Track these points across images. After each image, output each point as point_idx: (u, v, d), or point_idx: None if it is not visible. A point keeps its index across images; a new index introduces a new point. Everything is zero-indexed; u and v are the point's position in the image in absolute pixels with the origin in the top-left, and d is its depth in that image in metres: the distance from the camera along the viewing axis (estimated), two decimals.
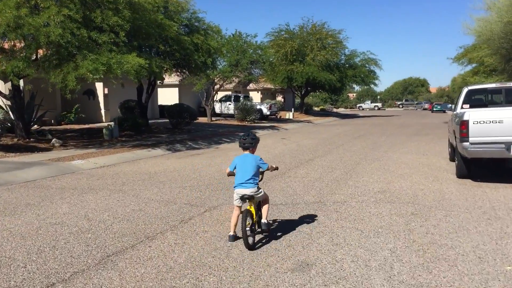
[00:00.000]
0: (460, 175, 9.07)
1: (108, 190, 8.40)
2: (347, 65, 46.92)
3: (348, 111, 76.99)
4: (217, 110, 36.53)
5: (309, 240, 5.17)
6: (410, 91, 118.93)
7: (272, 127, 28.02)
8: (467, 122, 8.30)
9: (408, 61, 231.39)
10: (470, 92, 10.33)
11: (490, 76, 25.00)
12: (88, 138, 18.02)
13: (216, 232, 5.51)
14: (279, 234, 5.42)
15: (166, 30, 16.97)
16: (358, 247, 4.88)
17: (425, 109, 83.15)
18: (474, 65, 30.76)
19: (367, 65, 46.75)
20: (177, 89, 34.99)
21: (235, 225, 5.14)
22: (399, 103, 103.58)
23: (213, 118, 32.85)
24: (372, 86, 50.47)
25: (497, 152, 8.16)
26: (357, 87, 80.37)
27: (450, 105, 13.82)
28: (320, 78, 41.20)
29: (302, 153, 14.15)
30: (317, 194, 7.68)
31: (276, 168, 5.63)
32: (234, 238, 5.10)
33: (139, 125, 20.43)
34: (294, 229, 5.60)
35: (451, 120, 10.49)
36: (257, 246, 4.99)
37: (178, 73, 24.47)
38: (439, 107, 64.70)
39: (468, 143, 8.28)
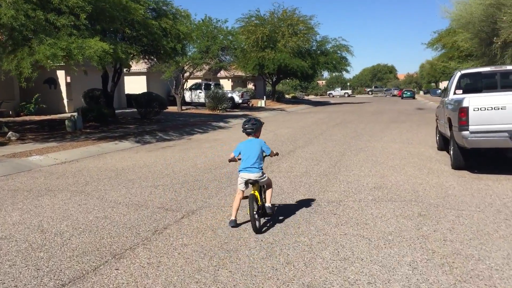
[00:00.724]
0: (457, 166, 8.40)
1: (69, 191, 7.35)
2: (319, 52, 46.31)
3: (319, 98, 76.71)
4: (187, 99, 35.30)
5: (311, 253, 4.32)
6: (379, 77, 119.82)
7: (245, 116, 27.08)
8: (466, 108, 7.59)
9: (376, 48, 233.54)
10: (463, 76, 9.67)
11: (465, 61, 24.71)
12: (49, 131, 16.70)
13: (198, 246, 4.59)
14: (274, 245, 4.55)
15: (131, 13, 15.76)
16: (371, 262, 4.06)
17: (394, 95, 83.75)
18: (445, 50, 30.52)
19: (338, 52, 46.26)
20: (145, 77, 33.55)
21: (237, 210, 5.18)
22: (368, 90, 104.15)
23: (184, 107, 31.68)
24: (344, 72, 50.00)
25: (500, 142, 7.50)
26: (326, 74, 79.77)
27: (439, 90, 13.37)
28: (292, 65, 40.42)
29: (281, 143, 13.31)
30: (308, 192, 6.84)
31: (277, 154, 5.66)
32: (235, 223, 5.10)
33: (105, 116, 19.17)
34: (291, 239, 4.74)
35: (443, 107, 9.82)
36: (252, 258, 4.13)
37: (146, 60, 23.18)
38: (409, 93, 65.12)
39: (468, 132, 7.59)
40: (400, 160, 9.67)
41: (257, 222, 4.93)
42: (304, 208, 5.94)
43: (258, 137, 5.39)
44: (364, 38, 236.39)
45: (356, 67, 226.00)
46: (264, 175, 5.20)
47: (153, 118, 22.37)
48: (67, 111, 24.48)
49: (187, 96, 35.20)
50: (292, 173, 8.45)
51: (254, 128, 5.33)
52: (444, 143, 10.74)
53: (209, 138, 15.90)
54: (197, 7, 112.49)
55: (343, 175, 8.13)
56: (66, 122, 16.78)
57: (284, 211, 5.81)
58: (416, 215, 5.51)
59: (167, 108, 23.90)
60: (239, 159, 5.33)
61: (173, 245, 4.62)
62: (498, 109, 7.41)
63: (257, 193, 5.11)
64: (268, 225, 5.25)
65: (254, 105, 38.74)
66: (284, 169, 8.81)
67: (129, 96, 28.48)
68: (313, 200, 6.37)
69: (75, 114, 17.89)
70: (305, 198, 6.51)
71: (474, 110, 7.53)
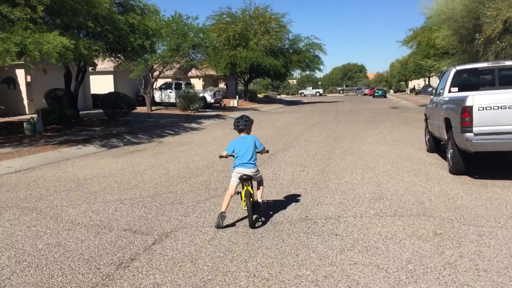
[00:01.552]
0: (456, 171, 7.66)
1: (18, 208, 6.24)
2: (291, 50, 45.71)
3: (290, 98, 76.32)
4: (157, 99, 34.00)
5: None
6: (350, 76, 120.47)
7: (218, 116, 26.10)
8: (470, 108, 6.84)
9: (346, 47, 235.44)
10: (458, 73, 8.97)
11: (441, 59, 24.36)
12: (6, 134, 15.33)
13: (174, 286, 3.63)
14: (270, 283, 3.63)
15: (95, 7, 14.61)
16: None
17: (365, 94, 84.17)
18: (420, 48, 30.17)
19: (311, 50, 45.71)
20: (112, 76, 32.07)
21: (227, 205, 5.19)
22: (339, 89, 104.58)
23: (153, 108, 30.39)
24: (316, 71, 49.49)
25: (509, 144, 6.79)
26: (296, 74, 78.86)
27: (430, 88, 12.74)
28: (264, 64, 39.66)
29: None
30: (299, 206, 5.95)
31: (267, 151, 5.69)
32: (223, 218, 5.09)
33: (68, 117, 17.86)
34: (290, 272, 3.83)
35: (436, 106, 9.09)
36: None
37: (113, 58, 21.90)
38: (380, 92, 65.35)
39: (472, 134, 6.85)
40: (391, 164, 8.90)
41: (253, 216, 5.09)
42: (299, 227, 5.04)
43: (249, 134, 5.44)
44: (334, 37, 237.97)
45: (326, 66, 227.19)
46: (258, 172, 5.35)
47: (121, 120, 21.12)
48: (27, 112, 22.96)
49: (157, 96, 33.90)
50: (278, 182, 7.54)
51: (247, 124, 5.39)
52: (435, 145, 10.07)
53: (181, 140, 14.85)
54: (165, 3, 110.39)
55: (334, 183, 7.27)
56: (25, 124, 15.43)
57: (277, 232, 4.90)
58: (432, 234, 4.69)
59: (136, 108, 22.67)
60: (231, 156, 5.41)
61: (142, 286, 3.63)
62: (506, 108, 6.69)
63: (250, 189, 5.17)
64: (259, 242, 4.33)
65: (226, 105, 37.74)
66: (268, 176, 7.89)
67: (95, 96, 27.05)
68: (307, 216, 5.48)
69: (35, 116, 16.53)
70: (297, 213, 5.61)
71: (479, 109, 6.79)
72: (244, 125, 5.38)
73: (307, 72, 73.01)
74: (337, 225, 5.09)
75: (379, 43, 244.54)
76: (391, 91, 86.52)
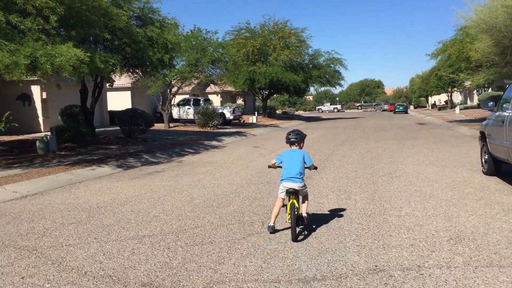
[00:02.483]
0: None
1: (16, 248, 5.16)
2: (311, 65, 44.67)
3: (308, 114, 75.14)
4: (175, 116, 33.15)
5: None
6: (367, 92, 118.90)
7: (239, 133, 25.03)
8: None
9: (362, 63, 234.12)
10: None
11: (475, 72, 23.04)
12: (18, 153, 14.44)
13: None
14: None
15: (113, 19, 13.77)
16: None
17: (384, 110, 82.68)
18: (450, 61, 28.82)
19: (331, 65, 44.63)
20: (129, 92, 31.39)
21: (276, 216, 5.33)
22: (357, 104, 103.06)
23: (171, 124, 29.52)
24: (337, 87, 48.35)
25: None
26: (312, 90, 77.47)
27: (491, 102, 11.55)
28: (284, 79, 38.66)
29: None
30: (362, 250, 4.74)
31: (315, 168, 5.56)
32: (273, 229, 5.31)
33: (83, 135, 16.94)
34: None
35: (505, 123, 7.83)
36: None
37: (130, 74, 21.11)
38: (401, 108, 63.85)
39: None
40: (452, 191, 7.64)
41: (296, 230, 5.10)
42: (367, 281, 3.84)
43: (301, 148, 5.50)
44: (351, 53, 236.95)
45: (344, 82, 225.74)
46: (305, 187, 5.35)
47: (138, 137, 20.17)
48: (42, 130, 22.18)
49: (175, 112, 33.05)
50: (324, 213, 6.36)
51: (298, 137, 5.45)
52: (495, 167, 8.79)
53: (203, 160, 13.76)
54: (184, 18, 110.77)
55: (393, 217, 6.05)
56: (37, 143, 14.52)
57: None
58: None
59: (154, 125, 21.72)
60: (279, 167, 5.46)
61: None
62: None
63: (296, 202, 5.16)
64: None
65: (245, 122, 36.73)
66: (311, 205, 6.71)
67: (112, 113, 26.24)
68: (376, 265, 4.27)
69: (49, 133, 15.64)
70: (363, 261, 4.40)
71: None
72: (295, 138, 5.42)
73: (323, 88, 71.56)
74: (423, 281, 3.86)
75: (396, 59, 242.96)
76: (411, 107, 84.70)
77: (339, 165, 11.23)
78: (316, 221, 5.89)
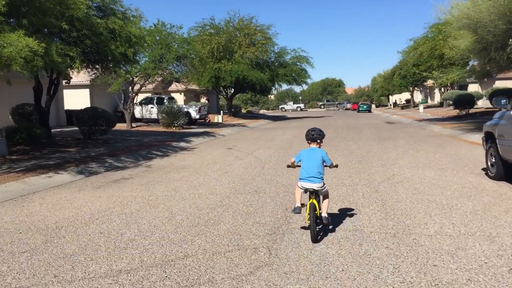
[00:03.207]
0: None
1: None
2: (277, 63, 43.76)
3: (272, 113, 74.41)
4: (137, 115, 31.47)
5: None
6: (329, 91, 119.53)
7: (207, 133, 23.74)
8: None
9: (323, 62, 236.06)
10: None
11: (448, 70, 22.66)
12: None
13: None
14: None
15: (71, 8, 12.29)
16: None
17: (347, 109, 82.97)
18: (423, 59, 28.52)
19: (298, 63, 43.86)
20: (88, 90, 29.49)
21: (300, 199, 5.18)
22: (320, 103, 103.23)
23: (134, 124, 27.89)
24: (303, 85, 47.68)
25: None
26: (273, 89, 77.03)
27: (504, 100, 10.80)
28: (251, 77, 37.59)
29: (275, 172, 10.18)
30: (397, 278, 3.70)
31: (336, 166, 5.47)
32: (300, 210, 5.14)
33: (38, 137, 15.26)
34: None
35: None
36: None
37: (89, 70, 19.48)
38: (365, 107, 64.02)
39: None
40: (469, 200, 6.75)
41: (315, 231, 4.90)
42: None
43: (319, 147, 5.30)
44: (312, 52, 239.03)
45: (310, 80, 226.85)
46: (325, 186, 5.18)
47: (100, 139, 18.60)
48: None
49: (137, 111, 31.36)
50: (340, 230, 5.29)
51: (321, 134, 5.31)
52: (505, 171, 8.00)
53: (174, 164, 12.48)
54: (146, 12, 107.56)
55: (422, 236, 5.04)
56: None
57: None
58: None
59: (116, 125, 20.14)
60: (298, 166, 5.31)
61: None
62: None
63: (315, 202, 5.02)
64: None
65: (211, 121, 35.41)
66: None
67: (70, 112, 24.37)
68: None
69: None
70: None
71: None
72: (318, 134, 5.28)
73: (286, 87, 70.91)
74: None
75: (356, 58, 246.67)
76: (373, 106, 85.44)
77: (330, 170, 10.21)
78: (335, 244, 4.82)
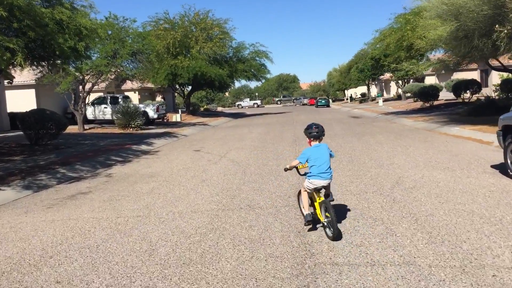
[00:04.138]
0: None
1: None
2: (235, 59, 42.24)
3: (230, 110, 72.85)
4: (90, 116, 29.18)
5: None
6: (285, 87, 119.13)
7: (168, 134, 22.02)
8: None
9: (277, 58, 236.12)
10: None
11: (416, 62, 21.98)
12: None
13: None
14: None
15: None
16: None
17: (304, 104, 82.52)
18: (380, 49, 27.84)
19: (257, 58, 42.53)
20: (33, 90, 26.95)
21: (309, 205, 5.16)
22: (277, 99, 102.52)
23: (86, 126, 25.70)
24: (263, 80, 46.36)
25: None
26: (233, 85, 75.86)
27: None
28: (209, 73, 35.87)
29: (261, 179, 8.79)
30: None
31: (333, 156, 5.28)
32: (312, 217, 5.04)
33: None
34: None
35: None
36: None
37: (34, 67, 17.36)
38: (323, 101, 63.62)
39: None
40: (506, 207, 5.62)
41: (337, 224, 4.74)
42: None
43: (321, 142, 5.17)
44: (269, 47, 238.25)
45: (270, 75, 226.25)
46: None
47: (49, 144, 16.57)
48: None
49: (89, 112, 29.07)
50: (385, 267, 3.98)
51: (323, 131, 5.18)
52: None
53: (139, 172, 10.85)
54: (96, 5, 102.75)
55: (500, 270, 3.80)
56: None
57: None
58: None
59: (66, 128, 18.07)
60: (301, 169, 5.24)
61: None
62: None
63: (322, 198, 5.02)
64: None
65: (169, 120, 33.54)
66: (345, 251, 4.30)
67: (14, 115, 21.98)
68: None
69: None
70: None
71: None
72: (322, 131, 5.15)
73: (240, 84, 69.51)
74: None
75: (309, 54, 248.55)
76: (330, 100, 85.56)
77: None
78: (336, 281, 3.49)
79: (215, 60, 39.25)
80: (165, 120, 32.21)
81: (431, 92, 29.98)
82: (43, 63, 16.99)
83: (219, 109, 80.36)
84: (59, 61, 17.24)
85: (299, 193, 5.46)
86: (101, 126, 27.40)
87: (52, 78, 23.34)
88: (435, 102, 31.50)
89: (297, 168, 5.29)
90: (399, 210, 5.86)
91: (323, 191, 5.12)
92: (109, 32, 23.82)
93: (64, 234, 5.72)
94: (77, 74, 23.11)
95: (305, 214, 5.08)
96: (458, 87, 29.41)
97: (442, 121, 19.63)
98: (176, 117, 35.52)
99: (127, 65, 25.63)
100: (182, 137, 21.19)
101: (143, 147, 16.62)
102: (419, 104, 34.87)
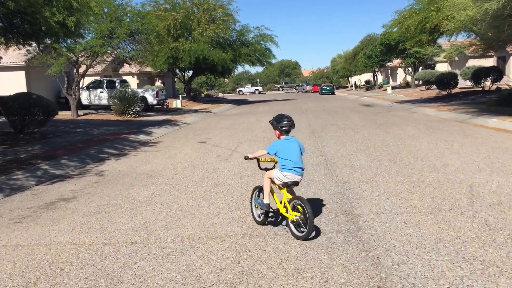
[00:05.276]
0: None
1: None
2: (239, 42, 40.19)
3: (231, 96, 70.84)
4: (85, 101, 27.28)
5: None
6: (287, 73, 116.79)
7: (169, 122, 20.19)
8: None
9: (280, 43, 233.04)
10: None
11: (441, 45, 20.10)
12: None
13: None
14: None
15: None
16: None
17: (307, 91, 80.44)
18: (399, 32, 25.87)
19: (262, 42, 40.48)
20: (23, 73, 24.99)
21: (269, 194, 4.85)
22: (279, 86, 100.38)
23: (81, 112, 23.85)
24: (267, 66, 44.40)
25: None
26: (236, 70, 73.49)
27: None
28: (212, 57, 33.89)
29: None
30: None
31: None
32: (269, 207, 4.78)
33: None
34: None
35: None
36: None
37: (21, 46, 15.49)
38: (328, 88, 61.60)
39: None
40: None
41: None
42: None
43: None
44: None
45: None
46: None
47: (36, 132, 14.77)
48: None
49: (84, 97, 27.15)
50: None
51: (293, 125, 4.77)
52: None
53: (136, 169, 9.06)
54: None
55: None
56: None
57: None
58: None
59: (57, 114, 16.19)
60: (268, 161, 5.04)
61: None
62: None
63: (290, 195, 4.73)
64: None
65: (169, 107, 31.65)
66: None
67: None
68: None
69: None
70: None
71: None
72: (294, 125, 4.78)
73: (240, 69, 67.44)
74: None
75: (311, 40, 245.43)
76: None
77: (369, 177, 7.15)
78: None
79: (218, 43, 37.29)
80: (165, 107, 30.30)
81: (449, 80, 28.07)
82: (30, 42, 15.17)
83: (220, 95, 78.38)
84: (48, 40, 15.42)
85: (254, 189, 5.20)
86: (96, 112, 25.52)
87: (43, 59, 21.45)
88: (452, 91, 29.66)
89: (258, 160, 5.01)
90: (506, 244, 4.09)
91: (293, 189, 4.81)
92: (105, 10, 21.83)
93: (25, 275, 3.95)
94: (70, 55, 21.21)
95: (264, 203, 4.77)
96: (478, 75, 27.54)
97: (470, 111, 17.82)
98: (176, 103, 33.64)
99: (125, 46, 23.63)
100: (184, 126, 19.38)
101: (141, 137, 14.80)
102: (433, 92, 33.02)
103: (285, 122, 4.70)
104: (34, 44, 18.24)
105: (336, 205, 5.67)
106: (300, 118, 20.03)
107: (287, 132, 4.74)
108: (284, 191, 4.70)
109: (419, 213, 5.16)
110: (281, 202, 4.73)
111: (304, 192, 6.40)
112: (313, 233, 4.49)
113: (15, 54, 23.33)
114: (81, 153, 11.06)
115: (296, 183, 4.68)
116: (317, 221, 5.01)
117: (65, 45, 17.80)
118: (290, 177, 4.62)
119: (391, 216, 5.08)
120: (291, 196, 4.66)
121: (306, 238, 4.41)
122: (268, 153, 4.75)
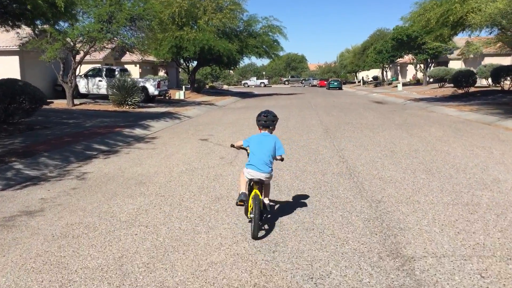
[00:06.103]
0: None
1: None
2: (246, 33, 38.64)
3: (236, 89, 69.35)
4: (82, 89, 25.93)
5: None
6: (293, 67, 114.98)
7: (169, 114, 18.79)
8: None
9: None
10: None
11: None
12: None
13: None
14: None
15: None
16: None
17: (314, 85, 78.77)
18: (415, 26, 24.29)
19: (270, 33, 38.92)
20: (17, 58, 23.55)
21: (246, 187, 4.63)
22: (284, 79, 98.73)
23: (77, 101, 22.49)
24: (275, 58, 42.87)
25: None
26: (243, 61, 71.59)
27: None
28: (218, 48, 32.43)
29: (314, 196, 5.64)
30: None
31: (282, 159, 4.75)
32: (246, 196, 4.50)
33: None
34: None
35: None
36: None
37: (10, 27, 14.10)
38: (336, 83, 59.92)
39: None
40: None
41: (259, 225, 4.40)
42: None
43: (271, 133, 4.78)
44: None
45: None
46: (271, 176, 4.72)
47: (22, 123, 13.44)
48: None
49: (82, 85, 25.79)
50: None
51: (274, 121, 4.77)
52: None
53: (124, 172, 7.70)
54: None
55: None
56: None
57: None
58: None
59: (48, 103, 14.84)
60: (243, 149, 4.86)
61: None
62: None
63: (259, 192, 4.48)
64: None
65: (172, 98, 30.27)
66: None
67: None
68: None
69: None
70: None
71: None
72: (271, 120, 4.74)
73: (250, 60, 65.92)
74: None
75: (318, 34, 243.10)
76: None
77: (413, 197, 5.76)
78: None
79: (224, 33, 35.79)
80: (167, 98, 28.92)
81: (467, 78, 26.55)
82: (19, 23, 13.82)
83: (225, 87, 76.88)
84: (37, 21, 14.07)
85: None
86: (94, 102, 24.16)
87: (37, 44, 20.06)
88: (469, 90, 28.13)
89: (246, 150, 4.83)
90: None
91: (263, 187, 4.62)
92: None
93: None
94: (65, 40, 19.82)
95: (239, 193, 4.57)
96: (498, 74, 25.97)
97: (495, 112, 16.38)
98: (179, 95, 32.20)
99: (125, 33, 22.17)
100: (186, 119, 17.99)
101: (137, 131, 13.44)
102: (447, 90, 31.52)
103: (262, 116, 4.71)
104: (27, 28, 16.94)
105: (376, 239, 4.29)
106: (310, 115, 18.58)
107: (264, 126, 4.72)
108: (254, 187, 4.51)
109: (494, 258, 3.78)
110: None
111: (330, 215, 5.03)
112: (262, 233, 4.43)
113: (8, 38, 21.95)
114: (65, 149, 9.71)
115: (261, 181, 4.54)
116: (355, 266, 3.64)
117: (57, 27, 16.44)
118: (253, 174, 4.54)
119: (457, 262, 3.70)
120: (257, 192, 4.46)
121: (253, 237, 4.34)
122: (243, 144, 4.76)
